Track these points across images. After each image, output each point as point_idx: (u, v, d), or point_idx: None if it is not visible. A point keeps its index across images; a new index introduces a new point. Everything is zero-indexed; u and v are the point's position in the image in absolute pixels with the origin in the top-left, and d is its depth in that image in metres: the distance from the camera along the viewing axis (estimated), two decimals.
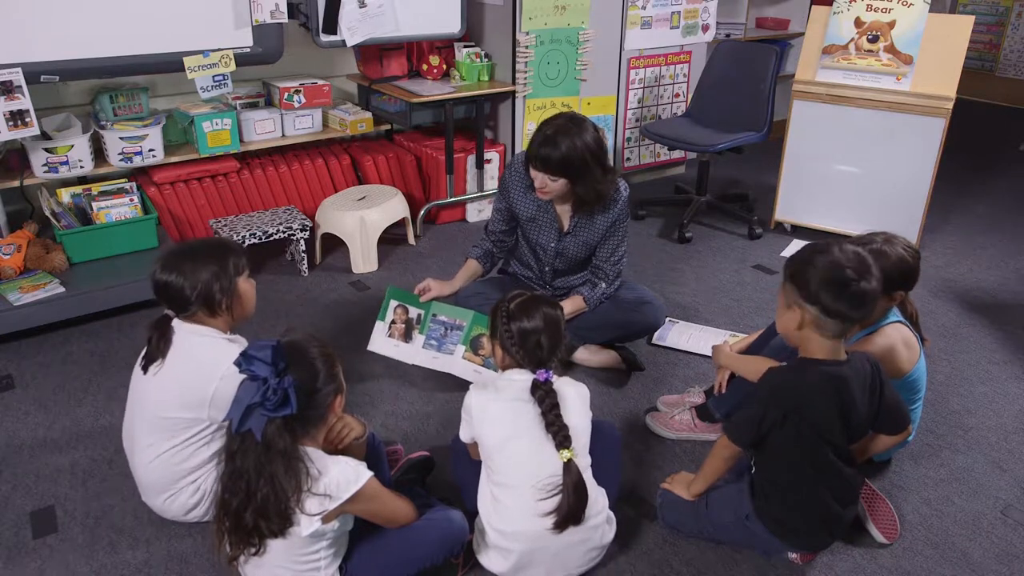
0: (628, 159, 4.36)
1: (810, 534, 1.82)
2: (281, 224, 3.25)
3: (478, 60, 3.74)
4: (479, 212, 3.94)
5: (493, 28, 3.76)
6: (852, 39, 3.43)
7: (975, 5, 6.46)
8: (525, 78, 3.72)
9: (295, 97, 3.51)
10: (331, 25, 3.29)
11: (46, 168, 3.02)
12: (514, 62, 3.67)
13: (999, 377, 2.69)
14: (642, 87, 4.21)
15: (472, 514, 1.84)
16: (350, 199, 3.46)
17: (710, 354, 2.42)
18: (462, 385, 2.44)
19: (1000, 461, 2.27)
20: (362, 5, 3.30)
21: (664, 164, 4.59)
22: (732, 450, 1.81)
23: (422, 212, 3.79)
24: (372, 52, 3.71)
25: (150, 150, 3.20)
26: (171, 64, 3.03)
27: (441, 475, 2.13)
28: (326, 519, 1.53)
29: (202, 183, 3.38)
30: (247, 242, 3.15)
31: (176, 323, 1.87)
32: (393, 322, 2.55)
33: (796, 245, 3.68)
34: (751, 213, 3.89)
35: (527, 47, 3.65)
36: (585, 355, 2.68)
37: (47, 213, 2.98)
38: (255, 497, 1.49)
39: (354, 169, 3.78)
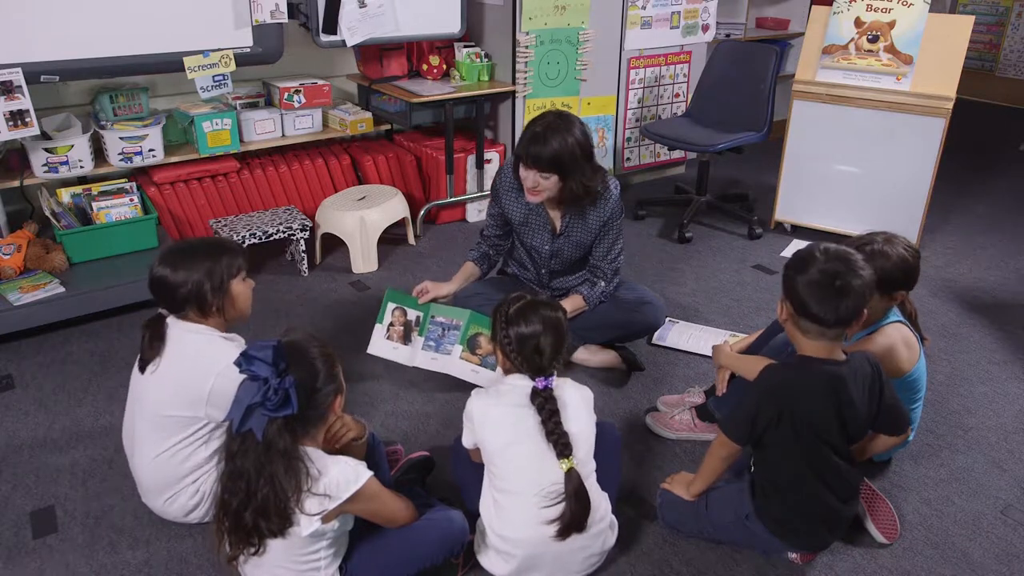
0: (628, 159, 4.36)
1: (810, 534, 1.82)
2: (281, 224, 3.25)
3: (478, 60, 3.74)
4: (479, 212, 3.94)
5: (493, 28, 3.76)
6: (852, 39, 3.43)
7: (975, 5, 6.46)
8: (525, 78, 3.72)
9: (295, 97, 3.51)
10: (331, 25, 3.29)
11: (46, 168, 3.02)
12: (514, 62, 3.68)
13: (999, 377, 2.69)
14: (642, 87, 4.21)
15: (472, 514, 1.84)
16: (350, 199, 3.46)
17: (710, 354, 2.42)
18: (462, 385, 2.44)
19: (1000, 461, 2.27)
20: (362, 5, 3.30)
21: (664, 164, 4.58)
22: (729, 449, 1.81)
23: (422, 212, 3.79)
24: (372, 52, 3.71)
25: (150, 150, 3.20)
26: (171, 64, 3.03)
27: (441, 475, 2.13)
28: (326, 519, 1.53)
29: (202, 183, 3.38)
30: (247, 242, 3.15)
31: (171, 321, 1.87)
32: (391, 324, 2.55)
33: (796, 245, 3.68)
34: (751, 213, 3.89)
35: (527, 47, 3.65)
36: (585, 355, 2.68)
37: (47, 213, 2.98)
38: (255, 497, 1.49)
39: (354, 169, 3.78)
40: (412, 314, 2.55)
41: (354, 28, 3.34)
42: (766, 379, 1.76)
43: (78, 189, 3.09)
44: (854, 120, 3.49)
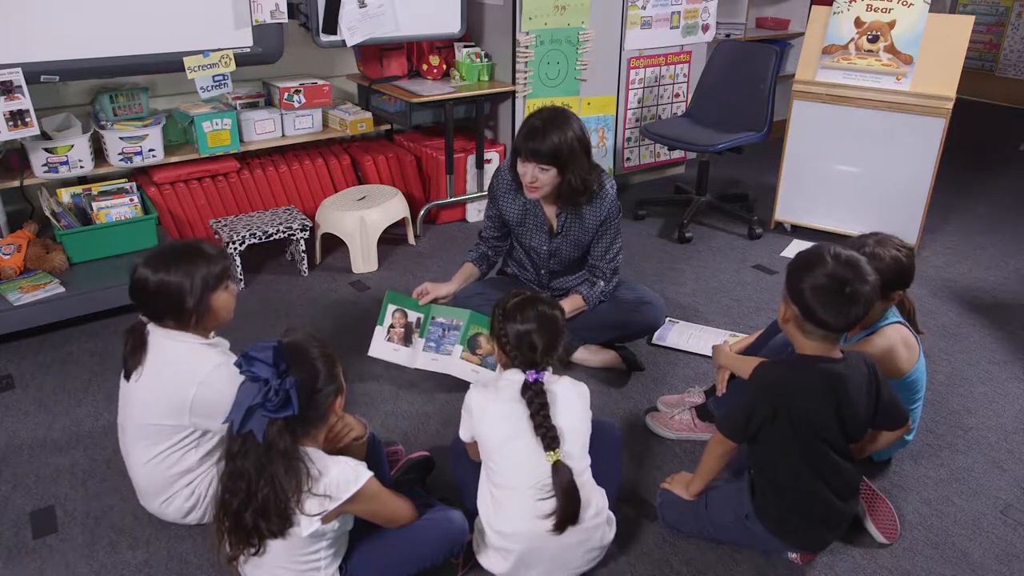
0: (628, 159, 4.36)
1: (809, 532, 1.82)
2: (281, 224, 3.25)
3: (478, 60, 3.74)
4: (479, 212, 3.94)
5: (493, 28, 3.76)
6: (852, 39, 3.43)
7: (975, 5, 6.46)
8: (525, 78, 3.72)
9: (295, 97, 3.51)
10: (331, 25, 3.29)
11: (46, 168, 3.02)
12: (514, 62, 3.67)
13: (999, 377, 2.69)
14: (642, 87, 4.21)
15: (472, 514, 1.84)
16: (350, 199, 3.46)
17: (710, 354, 2.42)
18: (462, 385, 2.44)
19: (1000, 461, 2.27)
20: (362, 5, 3.30)
21: (664, 164, 4.58)
22: (725, 447, 1.82)
23: (422, 212, 3.79)
24: (372, 52, 3.71)
25: (150, 150, 3.20)
26: (171, 64, 3.03)
27: (441, 475, 2.13)
28: (326, 519, 1.53)
29: (202, 183, 3.38)
30: (247, 242, 3.15)
31: (152, 328, 1.84)
32: (392, 326, 2.55)
33: (796, 245, 3.69)
34: (751, 213, 3.89)
35: (527, 47, 3.65)
36: (585, 355, 2.68)
37: (47, 213, 2.98)
38: (255, 497, 1.49)
39: (354, 169, 3.78)
40: (412, 316, 2.55)
41: (354, 28, 3.34)
42: (761, 376, 1.77)
43: (78, 189, 3.09)
44: (854, 120, 3.49)
